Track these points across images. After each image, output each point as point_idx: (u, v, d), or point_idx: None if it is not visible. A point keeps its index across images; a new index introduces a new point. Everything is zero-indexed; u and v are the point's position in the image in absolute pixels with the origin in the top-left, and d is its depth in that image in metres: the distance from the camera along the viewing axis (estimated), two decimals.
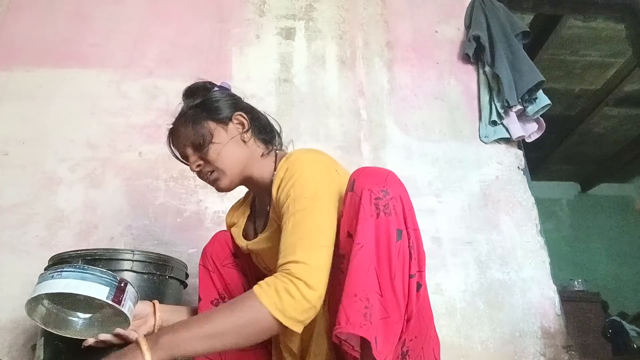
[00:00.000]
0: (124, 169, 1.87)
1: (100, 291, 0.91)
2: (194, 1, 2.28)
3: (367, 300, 0.76)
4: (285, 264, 0.83)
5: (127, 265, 1.19)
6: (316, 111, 2.10)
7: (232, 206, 1.26)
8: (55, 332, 0.98)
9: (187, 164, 1.07)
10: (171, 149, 1.10)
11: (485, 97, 2.15)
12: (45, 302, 0.99)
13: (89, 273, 0.92)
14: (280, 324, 0.79)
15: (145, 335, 0.80)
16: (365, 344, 0.76)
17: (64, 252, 1.21)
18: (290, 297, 0.78)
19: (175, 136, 1.07)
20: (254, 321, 0.79)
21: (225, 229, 1.25)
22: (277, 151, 1.12)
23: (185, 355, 0.79)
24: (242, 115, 1.07)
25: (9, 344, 1.56)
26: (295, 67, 2.18)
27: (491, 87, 2.15)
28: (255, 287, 0.82)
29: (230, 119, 1.06)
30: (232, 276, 1.17)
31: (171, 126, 1.09)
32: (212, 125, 1.03)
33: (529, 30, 2.29)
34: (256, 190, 1.15)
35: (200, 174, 1.06)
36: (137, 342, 0.78)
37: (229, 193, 1.86)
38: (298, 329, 0.81)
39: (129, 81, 2.05)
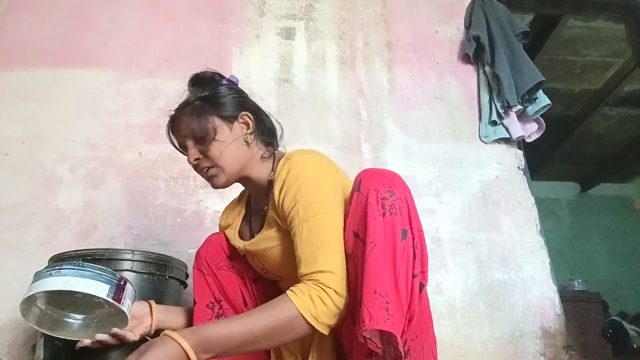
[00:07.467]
0: (124, 169, 1.87)
1: (100, 289, 0.90)
2: (194, 1, 2.27)
3: (387, 295, 0.78)
4: (311, 273, 0.84)
5: (127, 265, 1.19)
6: (316, 111, 2.10)
7: (226, 207, 1.24)
8: (49, 334, 0.96)
9: (184, 154, 1.05)
10: (170, 136, 1.08)
11: (485, 97, 2.15)
12: (39, 302, 0.96)
13: (89, 270, 0.90)
14: (312, 328, 0.82)
15: (176, 331, 0.80)
16: (386, 338, 0.78)
17: (64, 252, 1.21)
18: (323, 305, 0.81)
19: (176, 124, 1.05)
20: (288, 325, 0.82)
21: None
22: (275, 152, 1.10)
23: (218, 354, 0.81)
24: (248, 116, 1.05)
25: (9, 344, 1.56)
26: (295, 67, 2.18)
27: (491, 87, 2.15)
28: (288, 292, 0.84)
29: (236, 118, 1.04)
30: (228, 279, 1.15)
31: (173, 113, 1.06)
32: (217, 121, 1.01)
33: (529, 30, 2.29)
34: (252, 190, 1.13)
35: (196, 167, 1.04)
36: (167, 335, 0.78)
37: (229, 193, 1.85)
38: (327, 332, 0.84)
39: (129, 81, 2.04)
